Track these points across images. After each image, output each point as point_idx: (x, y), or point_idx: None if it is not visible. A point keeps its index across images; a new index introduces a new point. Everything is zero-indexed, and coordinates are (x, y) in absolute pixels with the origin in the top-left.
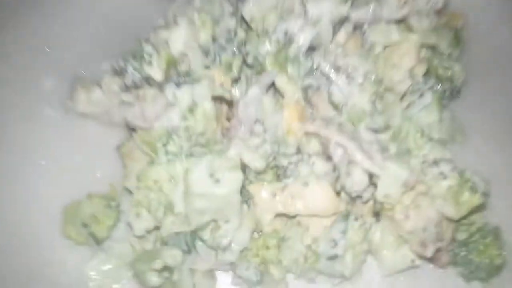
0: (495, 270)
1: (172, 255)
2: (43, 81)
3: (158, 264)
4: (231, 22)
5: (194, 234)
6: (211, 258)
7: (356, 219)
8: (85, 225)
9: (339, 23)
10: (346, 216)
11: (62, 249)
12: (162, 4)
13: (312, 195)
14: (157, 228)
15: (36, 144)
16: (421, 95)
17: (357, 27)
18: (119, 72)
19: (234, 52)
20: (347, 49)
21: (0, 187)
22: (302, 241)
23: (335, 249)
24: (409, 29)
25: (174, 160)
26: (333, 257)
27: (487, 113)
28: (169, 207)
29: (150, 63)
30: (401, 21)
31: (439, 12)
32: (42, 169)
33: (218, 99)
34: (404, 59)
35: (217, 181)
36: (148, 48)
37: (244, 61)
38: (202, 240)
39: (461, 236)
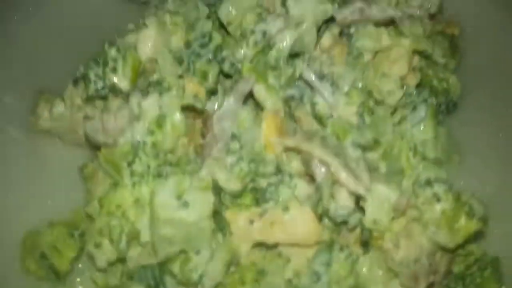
0: None
1: None
2: (2, 97)
3: None
4: (207, 26)
5: (163, 267)
6: None
7: (341, 249)
8: (44, 257)
9: (324, 25)
10: (330, 245)
11: (21, 284)
12: (134, 10)
13: (293, 222)
14: (121, 260)
15: None
16: (414, 109)
17: (344, 32)
18: (82, 80)
19: (210, 59)
20: (333, 56)
21: None
22: (283, 275)
23: (318, 284)
24: (401, 35)
25: (140, 182)
26: None
27: (486, 129)
28: (134, 236)
29: (114, 69)
30: (391, 25)
31: (433, 18)
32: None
33: (190, 111)
34: (395, 67)
35: (186, 204)
36: (112, 52)
37: (221, 71)
38: (171, 275)
39: (457, 268)
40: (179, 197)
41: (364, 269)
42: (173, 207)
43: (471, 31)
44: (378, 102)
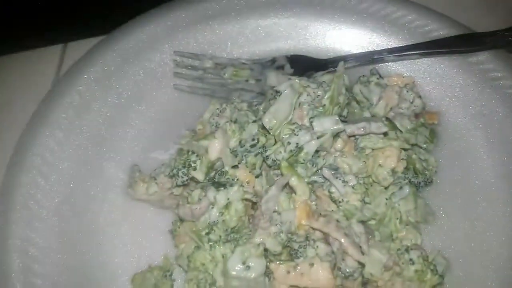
0: None
1: None
2: (105, 168)
3: None
4: (254, 128)
5: None
6: None
7: None
8: None
9: (337, 134)
10: None
11: None
12: (203, 98)
13: (316, 274)
14: None
15: (104, 224)
16: (401, 188)
17: (352, 135)
18: (172, 176)
19: (257, 154)
20: (344, 151)
21: (82, 260)
22: None
23: None
24: (394, 127)
25: (214, 246)
26: None
27: (455, 198)
28: (212, 283)
29: (194, 168)
30: (386, 133)
31: (418, 116)
32: (112, 246)
33: (246, 199)
34: (388, 161)
35: (248, 267)
36: (193, 157)
37: (264, 161)
38: None
39: None
40: (243, 262)
41: None
42: (240, 269)
43: (446, 121)
44: (375, 182)
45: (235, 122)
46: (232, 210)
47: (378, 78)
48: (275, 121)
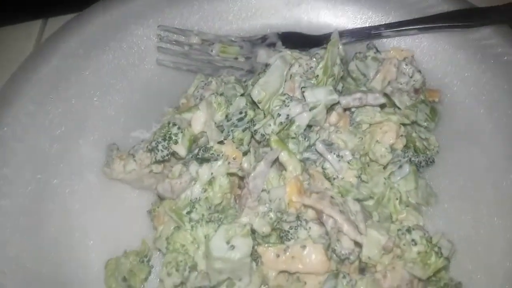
0: None
1: None
2: (81, 146)
3: None
4: (242, 102)
5: None
6: None
7: (344, 277)
8: (125, 279)
9: (332, 106)
10: (336, 274)
11: None
12: (188, 75)
13: (309, 257)
14: (182, 284)
15: (77, 206)
16: (400, 167)
17: (347, 109)
18: (153, 150)
19: (245, 129)
20: (339, 127)
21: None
22: None
23: None
24: (392, 104)
25: (196, 226)
26: None
27: (457, 179)
28: (193, 266)
29: (176, 141)
30: (383, 107)
31: (417, 92)
32: (85, 228)
33: (232, 175)
34: (386, 136)
35: (232, 247)
36: (174, 129)
37: (252, 137)
38: None
39: None
40: (227, 242)
41: None
42: (223, 249)
43: (450, 97)
44: (372, 161)
45: (221, 95)
46: (216, 186)
47: (375, 52)
48: (264, 94)
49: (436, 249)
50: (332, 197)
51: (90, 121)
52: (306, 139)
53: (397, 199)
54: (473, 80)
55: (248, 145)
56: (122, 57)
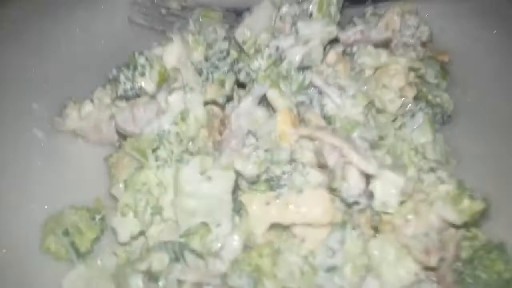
0: (505, 285)
1: (158, 258)
2: (31, 104)
3: (143, 266)
4: (224, 45)
5: (183, 244)
6: (200, 268)
7: (353, 228)
8: (66, 234)
9: (329, 44)
10: (343, 224)
11: (39, 264)
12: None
13: (307, 202)
14: (142, 234)
15: (20, 161)
16: (413, 116)
17: (347, 51)
18: (113, 82)
19: (227, 70)
20: (338, 71)
21: None
22: (298, 252)
23: (333, 259)
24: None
25: (163, 166)
26: (331, 269)
27: (480, 139)
28: (157, 211)
29: (143, 74)
30: (387, 47)
31: (425, 46)
32: (23, 184)
33: (211, 106)
34: (394, 80)
35: (209, 178)
36: (141, 59)
37: (237, 80)
38: (190, 250)
39: (465, 253)
40: (203, 172)
41: (375, 251)
42: (197, 181)
43: (462, 59)
44: (379, 111)
45: (198, 33)
46: (191, 118)
47: (375, 8)
48: (249, 34)
49: (469, 192)
50: (334, 129)
51: (43, 77)
52: (300, 73)
53: (412, 149)
54: (486, 41)
55: (230, 90)
56: (83, 9)
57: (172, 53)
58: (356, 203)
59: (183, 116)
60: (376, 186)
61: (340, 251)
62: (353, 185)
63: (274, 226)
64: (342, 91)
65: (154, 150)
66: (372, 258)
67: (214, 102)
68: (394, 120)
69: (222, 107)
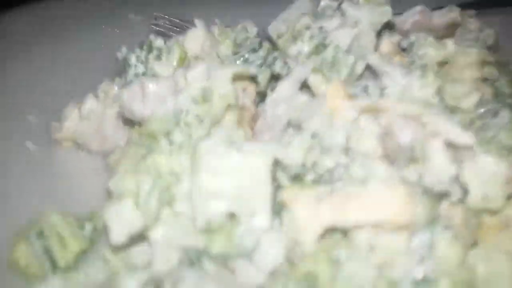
0: None
1: (163, 258)
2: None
3: (143, 275)
4: (255, 42)
5: (200, 248)
6: (224, 279)
7: (446, 227)
8: (41, 236)
9: (383, 31)
10: (432, 222)
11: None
12: None
13: (375, 198)
14: (145, 236)
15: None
16: (495, 114)
17: (404, 44)
18: (121, 64)
19: (260, 64)
20: (392, 62)
21: None
22: (368, 264)
23: (421, 267)
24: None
25: (178, 152)
26: (419, 284)
27: None
28: (166, 199)
29: (158, 57)
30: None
31: (491, 50)
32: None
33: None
34: (466, 71)
35: (240, 149)
36: (158, 41)
37: (273, 75)
38: (211, 257)
39: None
40: (232, 143)
41: (480, 265)
42: (223, 152)
43: None
44: (452, 110)
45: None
46: (215, 96)
47: None
48: (284, 28)
49: None
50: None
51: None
52: (351, 58)
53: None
54: None
55: (264, 86)
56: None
57: (195, 40)
58: (446, 194)
59: (206, 94)
60: (471, 174)
61: (429, 259)
62: (439, 168)
63: (329, 231)
64: (408, 71)
65: (167, 134)
66: (475, 274)
67: (245, 78)
68: (471, 121)
69: (255, 83)
